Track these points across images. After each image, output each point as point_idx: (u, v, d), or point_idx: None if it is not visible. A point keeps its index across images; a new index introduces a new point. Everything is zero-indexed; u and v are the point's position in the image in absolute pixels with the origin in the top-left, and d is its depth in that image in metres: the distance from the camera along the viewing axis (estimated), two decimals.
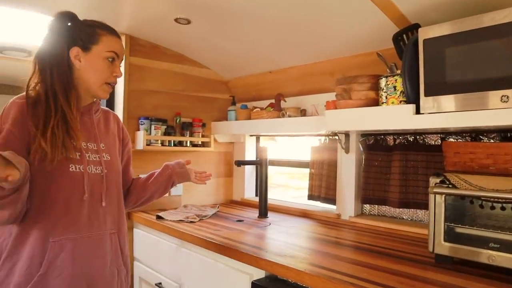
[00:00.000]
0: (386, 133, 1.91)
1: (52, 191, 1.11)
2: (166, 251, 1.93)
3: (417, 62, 1.36)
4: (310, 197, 2.27)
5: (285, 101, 2.26)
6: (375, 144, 1.97)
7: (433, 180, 1.32)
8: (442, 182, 1.30)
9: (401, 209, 1.90)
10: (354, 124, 1.65)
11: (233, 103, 2.61)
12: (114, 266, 1.23)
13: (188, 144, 2.43)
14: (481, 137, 1.58)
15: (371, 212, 2.05)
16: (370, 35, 1.70)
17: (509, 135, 1.51)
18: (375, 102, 1.59)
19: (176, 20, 1.93)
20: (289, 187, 3.01)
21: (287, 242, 1.61)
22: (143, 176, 1.51)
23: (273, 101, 2.29)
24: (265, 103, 2.39)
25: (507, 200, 1.20)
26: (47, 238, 1.09)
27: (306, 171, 2.34)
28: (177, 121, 2.39)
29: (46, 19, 1.90)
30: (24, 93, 1.14)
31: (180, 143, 2.41)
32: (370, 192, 1.96)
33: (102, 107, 1.35)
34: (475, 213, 1.30)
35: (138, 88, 2.29)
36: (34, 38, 2.37)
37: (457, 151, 1.36)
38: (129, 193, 1.45)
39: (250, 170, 2.73)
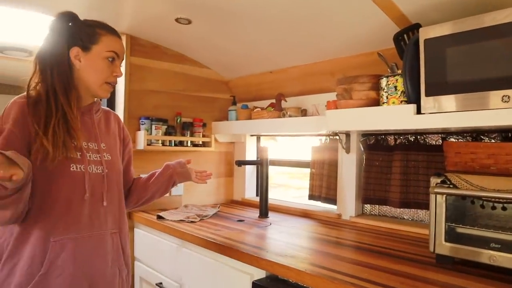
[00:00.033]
0: (387, 133, 1.91)
1: (53, 191, 1.11)
2: (167, 251, 1.93)
3: (418, 62, 1.36)
4: (311, 197, 2.27)
5: (285, 101, 2.26)
6: (376, 144, 1.97)
7: (434, 180, 1.32)
8: (443, 182, 1.30)
9: (402, 209, 1.90)
10: (355, 124, 1.65)
11: (234, 103, 2.61)
12: (115, 265, 1.23)
13: (189, 144, 2.43)
14: (482, 137, 1.58)
15: (371, 212, 2.04)
16: (370, 35, 1.69)
17: (510, 135, 1.51)
18: (376, 102, 1.59)
19: (176, 20, 1.93)
20: (290, 187, 3.01)
21: (288, 242, 1.61)
22: (144, 176, 1.51)
23: (273, 101, 2.28)
24: (265, 103, 2.39)
25: (508, 200, 1.20)
26: (48, 238, 1.10)
27: (307, 170, 2.34)
28: (178, 121, 2.39)
29: (46, 19, 1.91)
30: (25, 93, 1.14)
31: (181, 143, 2.41)
32: (371, 192, 1.96)
33: (103, 107, 1.35)
34: (476, 213, 1.29)
35: (139, 88, 2.30)
36: (35, 38, 2.37)
37: (458, 151, 1.36)
38: (130, 193, 1.45)
39: (250, 170, 2.73)
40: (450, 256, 1.29)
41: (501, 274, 1.19)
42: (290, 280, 1.31)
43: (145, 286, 2.12)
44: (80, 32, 1.18)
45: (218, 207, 2.43)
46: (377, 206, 2.01)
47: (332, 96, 1.87)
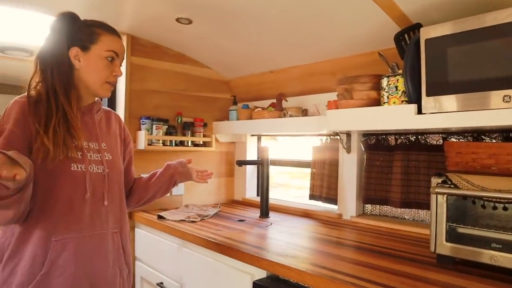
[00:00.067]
0: (388, 133, 1.91)
1: (54, 191, 1.12)
2: (168, 251, 1.93)
3: (419, 62, 1.36)
4: (312, 197, 2.27)
5: (286, 100, 2.26)
6: (377, 144, 1.97)
7: (435, 180, 1.32)
8: (444, 182, 1.30)
9: (402, 209, 1.90)
10: (356, 124, 1.65)
11: (235, 103, 2.61)
12: (116, 265, 1.23)
13: (190, 144, 2.43)
14: (483, 137, 1.58)
15: (372, 212, 2.04)
16: (371, 35, 1.69)
17: (511, 135, 1.51)
18: (377, 102, 1.59)
19: (177, 20, 1.93)
20: (290, 187, 3.01)
21: (289, 242, 1.61)
22: (145, 176, 1.51)
23: (274, 100, 2.28)
24: (266, 102, 2.39)
25: (509, 201, 1.19)
26: (50, 238, 1.10)
27: (307, 170, 2.34)
28: (179, 121, 2.39)
29: (47, 19, 1.91)
30: (26, 93, 1.14)
31: (182, 143, 2.41)
32: (372, 192, 1.96)
33: (103, 107, 1.35)
34: (477, 213, 1.29)
35: (140, 88, 2.30)
36: (36, 38, 2.38)
37: (459, 151, 1.35)
38: (131, 193, 1.46)
39: (251, 170, 2.73)
40: (451, 256, 1.28)
41: (502, 274, 1.19)
42: (291, 280, 1.31)
43: (146, 286, 2.13)
44: (79, 32, 1.18)
45: (219, 207, 2.43)
46: (377, 206, 2.01)
47: (333, 96, 1.86)
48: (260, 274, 1.42)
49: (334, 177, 2.12)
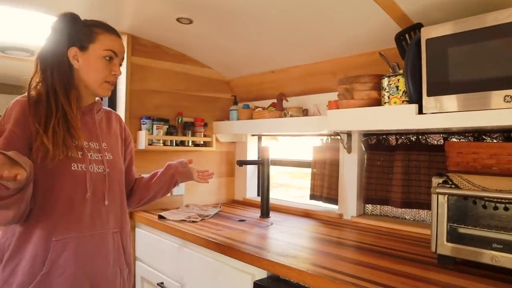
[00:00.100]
0: (388, 133, 1.91)
1: (55, 190, 1.12)
2: (168, 250, 1.93)
3: (419, 62, 1.36)
4: (312, 197, 2.27)
5: (287, 100, 2.26)
6: (377, 144, 1.97)
7: (435, 180, 1.32)
8: (444, 182, 1.30)
9: (403, 209, 1.90)
10: (356, 124, 1.65)
11: (235, 103, 2.61)
12: (116, 265, 1.23)
13: (190, 143, 2.43)
14: (483, 137, 1.58)
15: (373, 212, 2.04)
16: (372, 35, 1.69)
17: None
18: (378, 102, 1.59)
19: (178, 19, 1.93)
20: (291, 187, 3.01)
21: (289, 242, 1.61)
22: (145, 176, 1.51)
23: (275, 100, 2.28)
24: (267, 102, 2.39)
25: (510, 201, 1.19)
26: (50, 237, 1.10)
27: (308, 170, 2.34)
28: (179, 120, 2.39)
29: (48, 18, 1.91)
30: (26, 93, 1.14)
31: (182, 143, 2.41)
32: (372, 192, 1.95)
33: (104, 107, 1.35)
34: (478, 213, 1.29)
35: (140, 88, 2.30)
36: (36, 38, 2.38)
37: (460, 151, 1.35)
38: (132, 193, 1.46)
39: (252, 170, 2.73)
40: (452, 257, 1.28)
41: (503, 274, 1.19)
42: (292, 280, 1.31)
43: (146, 286, 2.13)
44: (78, 32, 1.18)
45: (220, 207, 2.43)
46: (378, 206, 2.01)
47: (333, 96, 1.86)
48: (260, 274, 1.42)
49: (335, 177, 2.12)
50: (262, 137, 2.74)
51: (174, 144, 2.36)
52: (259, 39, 2.03)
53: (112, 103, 2.32)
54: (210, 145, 2.50)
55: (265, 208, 2.20)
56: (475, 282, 1.14)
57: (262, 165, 2.24)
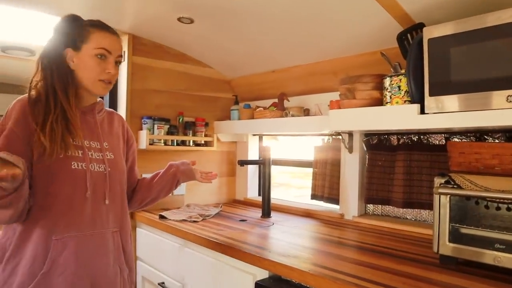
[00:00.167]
0: (390, 133, 1.90)
1: (55, 189, 1.12)
2: (169, 250, 1.93)
3: (421, 61, 1.35)
4: (313, 196, 2.26)
5: (288, 100, 2.25)
6: (379, 144, 1.96)
7: (438, 181, 1.32)
8: (447, 182, 1.30)
9: (404, 209, 1.89)
10: (358, 124, 1.64)
11: (236, 103, 2.60)
12: (116, 264, 1.23)
13: (191, 143, 2.43)
14: (485, 137, 1.57)
15: (374, 212, 2.04)
16: (373, 34, 1.69)
17: None
18: (379, 102, 1.58)
19: (179, 19, 1.93)
20: (291, 186, 3.00)
21: (290, 242, 1.61)
22: (147, 176, 1.51)
23: (276, 100, 2.28)
24: (268, 102, 2.38)
25: None
26: (50, 236, 1.10)
27: (308, 170, 2.33)
28: (180, 120, 2.39)
29: (49, 18, 1.91)
30: (27, 92, 1.15)
31: (183, 143, 2.40)
32: (374, 192, 1.95)
33: (107, 108, 1.36)
34: (480, 213, 1.29)
35: (141, 88, 2.29)
36: (37, 38, 2.37)
37: (462, 151, 1.35)
38: (135, 194, 1.46)
39: (253, 170, 2.72)
40: (454, 257, 1.28)
41: (506, 275, 1.19)
42: (293, 281, 1.31)
43: (148, 286, 2.13)
44: (73, 33, 1.19)
45: (221, 207, 2.43)
46: (379, 206, 2.01)
47: (334, 96, 1.86)
48: (262, 274, 1.42)
49: (336, 177, 2.12)
50: (263, 137, 2.74)
51: (175, 144, 2.36)
52: (260, 39, 2.03)
53: (113, 102, 2.32)
54: (211, 145, 2.50)
55: (266, 208, 2.20)
56: (477, 282, 1.14)
57: (263, 165, 2.23)
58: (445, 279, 1.17)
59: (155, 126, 2.27)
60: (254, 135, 2.71)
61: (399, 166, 1.84)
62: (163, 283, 1.93)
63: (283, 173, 2.89)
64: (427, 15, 1.45)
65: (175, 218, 2.02)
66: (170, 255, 1.92)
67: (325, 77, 2.10)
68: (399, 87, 1.48)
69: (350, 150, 2.03)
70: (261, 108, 2.34)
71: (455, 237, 1.29)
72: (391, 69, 1.55)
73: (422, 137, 1.80)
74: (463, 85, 1.25)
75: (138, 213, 2.18)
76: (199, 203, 2.49)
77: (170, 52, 2.41)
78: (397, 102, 1.49)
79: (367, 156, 2.00)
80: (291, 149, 2.77)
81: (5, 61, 3.05)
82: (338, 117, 1.71)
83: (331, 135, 2.14)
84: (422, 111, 1.38)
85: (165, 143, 2.31)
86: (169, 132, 2.32)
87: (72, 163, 1.14)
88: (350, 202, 2.05)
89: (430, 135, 1.77)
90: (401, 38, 1.51)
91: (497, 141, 1.54)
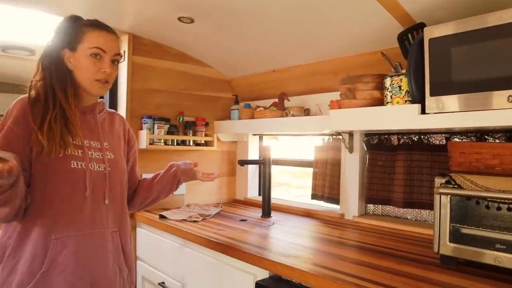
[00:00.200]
0: (390, 133, 1.90)
1: (54, 187, 1.12)
2: (169, 250, 1.93)
3: (422, 61, 1.35)
4: (314, 196, 2.26)
5: (288, 100, 2.25)
6: (379, 144, 1.96)
7: (438, 181, 1.32)
8: (447, 182, 1.29)
9: (405, 209, 1.89)
10: (359, 124, 1.64)
11: (236, 102, 2.60)
12: (116, 264, 1.23)
13: (191, 143, 2.43)
14: (486, 137, 1.57)
15: (375, 212, 2.04)
16: (374, 34, 1.68)
17: None
18: (380, 102, 1.58)
19: (179, 19, 1.93)
20: (291, 186, 3.00)
21: (291, 242, 1.61)
22: (148, 176, 1.51)
23: (276, 100, 2.28)
24: (268, 102, 2.38)
25: None
26: (49, 235, 1.10)
27: (308, 169, 2.33)
28: (180, 120, 2.39)
29: (48, 17, 1.91)
30: (27, 92, 1.15)
31: (183, 142, 2.40)
32: (374, 192, 1.95)
33: (108, 109, 1.36)
34: (481, 213, 1.29)
35: (141, 87, 2.29)
36: (37, 37, 2.37)
37: (462, 151, 1.35)
38: (136, 194, 1.46)
39: (253, 169, 2.72)
40: (454, 257, 1.28)
41: (506, 275, 1.19)
42: (294, 281, 1.31)
43: (148, 286, 2.12)
44: (71, 34, 1.19)
45: (221, 207, 2.43)
46: (380, 206, 2.01)
47: (335, 96, 1.86)
48: (262, 274, 1.42)
49: (336, 177, 2.12)
50: (263, 137, 2.74)
51: (175, 144, 2.36)
52: (260, 39, 2.02)
53: (113, 102, 2.31)
54: (211, 145, 2.50)
55: (267, 208, 2.20)
56: (478, 282, 1.14)
57: (264, 164, 2.23)
58: (446, 279, 1.17)
59: (155, 125, 2.26)
60: (254, 135, 2.71)
61: (400, 166, 1.84)
62: (163, 283, 1.93)
63: (283, 172, 2.89)
64: (428, 15, 1.44)
65: (175, 218, 2.02)
66: (170, 255, 1.92)
67: (326, 77, 2.10)
68: (399, 87, 1.48)
69: (351, 150, 2.03)
70: (262, 108, 2.34)
71: (456, 237, 1.29)
72: (392, 69, 1.55)
73: (422, 137, 1.80)
74: (464, 85, 1.25)
75: (138, 212, 2.18)
76: (199, 203, 2.49)
77: (170, 52, 2.41)
78: (397, 102, 1.49)
79: (367, 156, 2.00)
80: (292, 149, 2.76)
81: (5, 61, 3.05)
82: (338, 117, 1.71)
83: (332, 135, 2.14)
84: (423, 111, 1.38)
85: (165, 143, 2.31)
86: (169, 132, 2.32)
87: (72, 162, 1.14)
88: (350, 202, 2.05)
89: (431, 135, 1.77)
90: (401, 38, 1.51)
91: (497, 141, 1.54)
